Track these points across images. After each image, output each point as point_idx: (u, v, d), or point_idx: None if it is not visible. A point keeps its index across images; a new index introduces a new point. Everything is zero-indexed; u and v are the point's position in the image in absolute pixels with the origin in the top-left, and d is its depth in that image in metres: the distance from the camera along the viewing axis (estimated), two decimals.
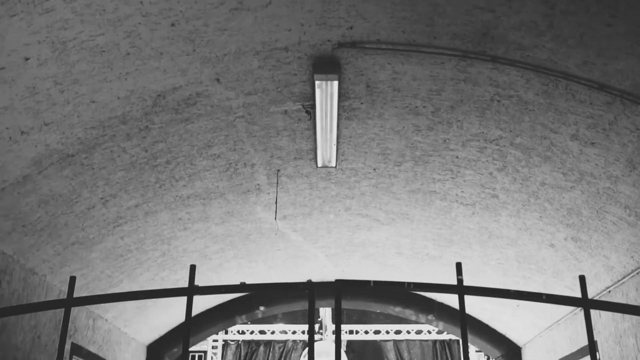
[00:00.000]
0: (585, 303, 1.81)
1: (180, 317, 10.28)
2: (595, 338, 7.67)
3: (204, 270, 8.78)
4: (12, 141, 4.70)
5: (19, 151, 4.84)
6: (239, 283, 1.79)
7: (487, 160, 6.03)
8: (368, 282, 1.74)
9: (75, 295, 7.43)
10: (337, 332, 1.84)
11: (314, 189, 6.98)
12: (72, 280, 1.87)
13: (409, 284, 1.77)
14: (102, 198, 6.04)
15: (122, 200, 6.25)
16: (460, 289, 1.79)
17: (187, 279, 8.77)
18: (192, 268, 1.85)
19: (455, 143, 5.88)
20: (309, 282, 1.74)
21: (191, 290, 1.80)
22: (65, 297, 7.17)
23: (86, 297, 1.82)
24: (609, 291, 7.10)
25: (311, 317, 1.85)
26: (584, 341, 7.97)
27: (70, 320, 7.43)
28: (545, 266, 7.58)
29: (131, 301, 8.51)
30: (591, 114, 4.86)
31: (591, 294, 7.55)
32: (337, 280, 1.74)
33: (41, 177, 5.27)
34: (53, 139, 4.91)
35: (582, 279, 1.83)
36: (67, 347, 7.38)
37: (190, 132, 5.54)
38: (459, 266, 1.79)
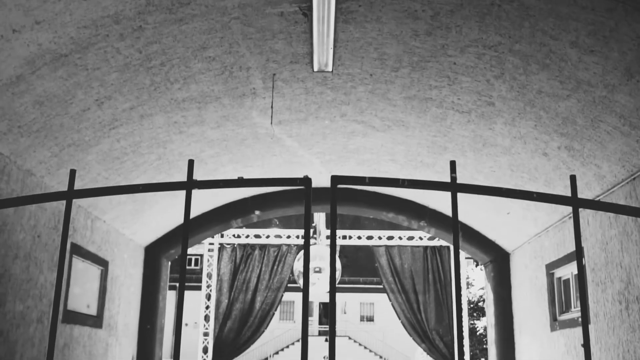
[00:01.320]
0: (575, 202, 1.86)
1: (177, 220, 10.46)
2: (582, 244, 7.87)
3: (199, 175, 8.86)
4: (4, 40, 4.62)
5: (11, 50, 4.77)
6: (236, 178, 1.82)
7: (484, 67, 5.98)
8: (363, 178, 1.78)
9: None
10: (332, 229, 1.89)
11: (310, 94, 6.95)
12: (73, 173, 1.90)
13: (403, 180, 1.81)
14: (96, 100, 6.00)
15: (117, 103, 6.22)
16: (454, 187, 1.83)
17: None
18: (191, 163, 1.88)
19: (454, 49, 5.81)
20: (306, 177, 1.78)
21: (190, 184, 1.83)
22: None
23: (87, 190, 1.86)
24: (599, 200, 7.22)
25: (307, 214, 1.89)
26: (570, 247, 8.19)
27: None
28: (537, 175, 7.67)
29: (129, 204, 8.63)
30: (592, 20, 4.78)
31: None
32: (333, 176, 1.78)
33: (35, 77, 5.22)
34: (45, 38, 4.82)
35: (572, 179, 1.87)
36: (67, 246, 7.55)
37: (184, 33, 5.45)
38: (452, 164, 1.82)
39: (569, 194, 7.69)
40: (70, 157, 6.71)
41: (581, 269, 1.93)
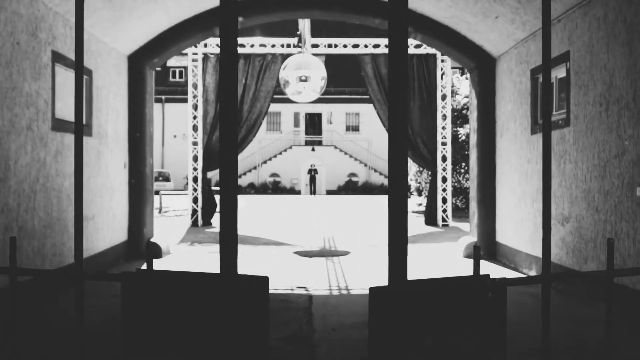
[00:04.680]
0: None
1: (158, 27, 10.19)
2: (568, 48, 7.84)
3: None
4: None
5: None
6: None
7: None
8: None
9: None
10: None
11: None
12: None
13: None
14: None
15: None
16: None
17: None
18: None
19: None
20: None
21: None
22: (38, 2, 7.01)
23: None
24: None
25: None
26: (557, 52, 8.15)
27: (47, 28, 7.35)
28: None
29: (106, 10, 8.36)
30: None
31: (573, 2, 7.54)
32: None
33: None
34: None
35: None
36: (48, 55, 7.41)
37: None
38: None
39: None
40: None
41: None
